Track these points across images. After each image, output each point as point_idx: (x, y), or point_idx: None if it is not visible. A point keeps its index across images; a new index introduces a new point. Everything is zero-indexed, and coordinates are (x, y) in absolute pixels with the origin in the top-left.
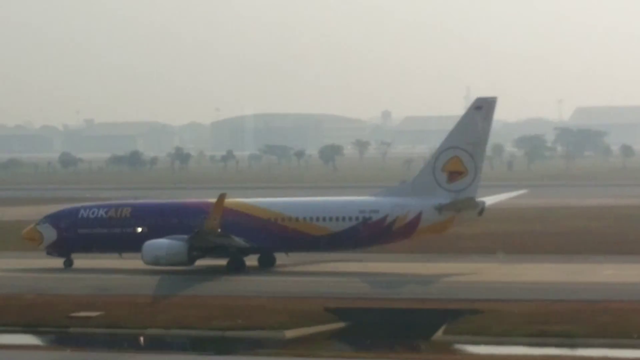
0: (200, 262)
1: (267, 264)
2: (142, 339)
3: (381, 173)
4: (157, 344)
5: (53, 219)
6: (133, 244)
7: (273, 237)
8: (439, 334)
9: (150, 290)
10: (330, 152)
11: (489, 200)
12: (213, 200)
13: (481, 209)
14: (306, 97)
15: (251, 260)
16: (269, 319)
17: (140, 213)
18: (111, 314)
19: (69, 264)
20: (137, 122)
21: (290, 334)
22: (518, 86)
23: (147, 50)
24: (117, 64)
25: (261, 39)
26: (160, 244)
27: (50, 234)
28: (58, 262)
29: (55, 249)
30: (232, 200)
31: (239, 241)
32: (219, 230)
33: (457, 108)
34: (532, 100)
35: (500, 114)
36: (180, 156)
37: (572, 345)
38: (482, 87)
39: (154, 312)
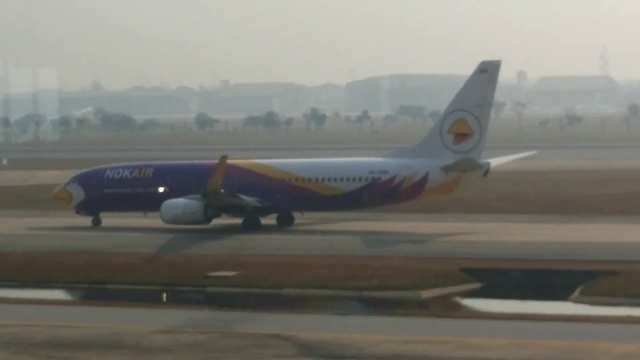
0: (217, 221)
1: (285, 223)
2: (164, 295)
3: (517, 134)
4: (293, 304)
5: (81, 179)
6: (155, 203)
7: (286, 197)
8: (575, 295)
9: (287, 250)
10: None
11: (495, 161)
12: (234, 161)
13: (486, 170)
14: (442, 58)
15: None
16: (404, 279)
17: (162, 173)
18: (247, 274)
19: (97, 222)
20: (272, 82)
21: (425, 294)
22: None
23: (283, 11)
24: (252, 24)
25: None
26: (178, 204)
27: (78, 193)
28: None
29: (83, 208)
30: (247, 161)
31: (248, 200)
32: (222, 190)
33: (593, 68)
34: None
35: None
36: (316, 117)
37: None
38: (618, 46)
39: (290, 272)
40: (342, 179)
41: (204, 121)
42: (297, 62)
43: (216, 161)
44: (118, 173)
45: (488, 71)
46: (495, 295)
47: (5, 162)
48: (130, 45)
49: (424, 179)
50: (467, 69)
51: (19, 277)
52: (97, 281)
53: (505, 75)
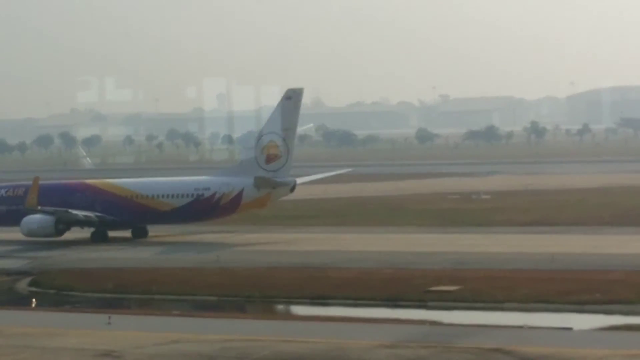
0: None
1: (139, 236)
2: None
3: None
4: (514, 318)
5: None
6: None
7: (129, 212)
8: None
9: (507, 265)
10: None
11: (304, 179)
12: (91, 181)
13: (292, 187)
14: None
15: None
16: (628, 292)
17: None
18: (469, 288)
19: None
20: (492, 97)
21: None
22: None
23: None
24: (468, 38)
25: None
26: (33, 219)
27: None
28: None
29: None
30: (101, 181)
31: (81, 215)
32: (39, 207)
33: None
34: None
35: None
36: (536, 130)
37: None
38: None
39: (512, 286)
40: (174, 196)
41: (424, 136)
42: (516, 75)
43: (72, 181)
44: None
45: (292, 98)
46: None
47: None
48: (349, 61)
49: (240, 195)
50: None
51: (245, 293)
52: (320, 296)
53: None
